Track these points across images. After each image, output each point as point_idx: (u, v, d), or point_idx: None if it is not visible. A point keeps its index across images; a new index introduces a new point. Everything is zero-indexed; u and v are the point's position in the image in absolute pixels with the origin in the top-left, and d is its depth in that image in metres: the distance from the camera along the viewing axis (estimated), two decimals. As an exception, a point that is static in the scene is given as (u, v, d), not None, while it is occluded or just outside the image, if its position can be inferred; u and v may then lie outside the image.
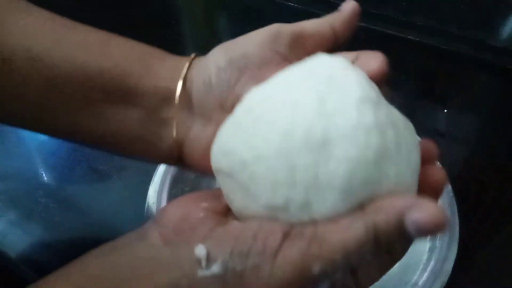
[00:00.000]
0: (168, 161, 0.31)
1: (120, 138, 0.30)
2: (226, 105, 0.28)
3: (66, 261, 0.46)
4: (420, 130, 0.57)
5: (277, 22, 0.64)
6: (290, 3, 0.78)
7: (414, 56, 0.69)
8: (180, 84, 0.28)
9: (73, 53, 0.29)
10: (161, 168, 0.46)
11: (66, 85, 0.29)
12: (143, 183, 0.47)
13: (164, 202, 0.43)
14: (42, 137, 0.59)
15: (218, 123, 0.27)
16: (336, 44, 0.30)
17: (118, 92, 0.29)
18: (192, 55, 0.30)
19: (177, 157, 0.30)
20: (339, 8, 0.30)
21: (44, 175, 0.55)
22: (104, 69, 0.29)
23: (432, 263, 0.35)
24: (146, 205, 0.44)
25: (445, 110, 0.60)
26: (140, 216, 0.44)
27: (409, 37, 0.71)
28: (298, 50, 0.28)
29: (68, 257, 0.46)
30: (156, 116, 0.29)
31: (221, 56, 0.28)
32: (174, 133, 0.29)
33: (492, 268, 0.44)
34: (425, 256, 0.36)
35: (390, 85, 0.66)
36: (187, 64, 0.29)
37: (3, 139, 0.59)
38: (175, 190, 0.45)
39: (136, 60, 0.30)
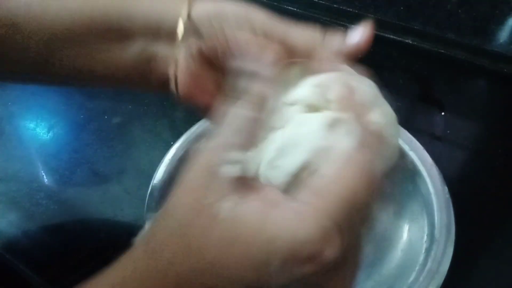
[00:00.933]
0: (158, 90, 0.35)
1: (117, 75, 0.34)
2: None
3: (66, 262, 0.46)
4: (418, 133, 0.58)
5: None
6: (289, 7, 0.79)
7: (412, 60, 0.70)
8: (181, 24, 0.31)
9: (65, 4, 0.32)
10: (161, 170, 0.46)
11: (64, 34, 0.32)
12: (143, 185, 0.47)
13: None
14: (43, 140, 0.60)
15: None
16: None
17: (114, 31, 0.32)
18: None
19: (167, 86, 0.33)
20: (353, 29, 0.30)
21: (45, 177, 0.56)
22: (97, 13, 0.32)
23: (428, 264, 0.35)
24: (146, 206, 0.44)
25: (443, 114, 0.60)
26: (139, 218, 0.45)
27: (407, 41, 0.71)
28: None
29: (68, 259, 0.46)
30: (149, 50, 0.33)
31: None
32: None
33: (488, 269, 0.44)
34: (421, 257, 0.36)
35: (389, 89, 0.66)
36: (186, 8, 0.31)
37: (4, 142, 0.60)
38: (175, 192, 0.45)
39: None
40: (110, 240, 0.49)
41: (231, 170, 0.21)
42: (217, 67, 0.32)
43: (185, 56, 0.32)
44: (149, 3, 0.33)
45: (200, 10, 0.31)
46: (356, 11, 0.74)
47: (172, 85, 0.33)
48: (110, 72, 0.34)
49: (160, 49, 0.32)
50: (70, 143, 0.60)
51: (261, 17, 0.30)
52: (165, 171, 0.46)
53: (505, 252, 0.46)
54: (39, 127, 0.61)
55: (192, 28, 0.31)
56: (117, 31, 0.32)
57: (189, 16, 0.31)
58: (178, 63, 0.32)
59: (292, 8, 0.78)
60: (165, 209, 0.23)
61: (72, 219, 0.51)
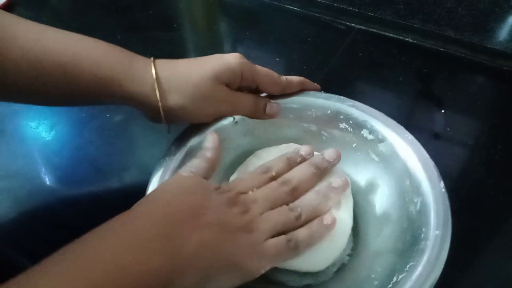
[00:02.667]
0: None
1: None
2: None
3: None
4: (418, 130, 0.58)
5: (277, 25, 0.66)
6: (290, 6, 0.79)
7: (411, 58, 0.70)
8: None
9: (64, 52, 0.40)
10: (160, 166, 0.46)
11: (54, 83, 0.40)
12: (144, 182, 0.47)
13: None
14: (45, 138, 0.60)
15: None
16: None
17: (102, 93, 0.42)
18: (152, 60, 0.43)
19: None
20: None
21: (47, 174, 0.56)
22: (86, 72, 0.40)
23: (424, 259, 0.35)
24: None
25: (442, 111, 0.60)
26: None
27: (407, 39, 0.72)
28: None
29: None
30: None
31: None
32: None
33: (484, 265, 0.45)
34: (418, 252, 0.36)
35: (389, 86, 0.66)
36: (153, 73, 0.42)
37: (7, 139, 0.60)
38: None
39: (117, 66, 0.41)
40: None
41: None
42: None
43: None
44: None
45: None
46: (356, 9, 0.74)
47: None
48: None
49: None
50: (72, 141, 0.60)
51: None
52: (164, 168, 0.46)
53: (502, 248, 0.46)
54: (41, 125, 0.62)
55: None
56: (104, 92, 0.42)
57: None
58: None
59: (293, 8, 0.79)
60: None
61: (74, 215, 0.52)
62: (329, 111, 0.49)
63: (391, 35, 0.72)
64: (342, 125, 0.48)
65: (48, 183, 0.55)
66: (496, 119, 0.60)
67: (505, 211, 0.50)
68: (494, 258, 0.46)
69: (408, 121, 0.61)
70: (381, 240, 0.42)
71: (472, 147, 0.57)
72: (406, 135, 0.44)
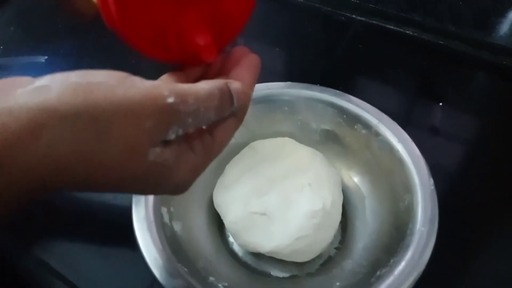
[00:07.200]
0: None
1: None
2: None
3: (69, 253, 0.47)
4: (417, 125, 0.57)
5: (277, 16, 0.63)
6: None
7: (412, 52, 0.69)
8: None
9: None
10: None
11: None
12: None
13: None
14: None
15: None
16: None
17: None
18: None
19: None
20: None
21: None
22: None
23: (409, 253, 0.35)
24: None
25: (442, 105, 0.60)
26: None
27: (407, 32, 0.71)
28: None
29: (71, 250, 0.47)
30: None
31: None
32: None
33: (478, 266, 0.45)
34: (402, 246, 0.37)
35: (388, 81, 0.65)
36: None
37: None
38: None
39: None
40: (111, 229, 0.49)
41: (172, 135, 0.24)
42: None
43: None
44: None
45: None
46: (358, 1, 0.74)
47: None
48: None
49: None
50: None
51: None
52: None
53: (498, 247, 0.46)
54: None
55: None
56: None
57: None
58: None
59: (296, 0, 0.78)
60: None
61: (75, 209, 0.51)
62: (323, 105, 0.49)
63: (392, 28, 0.72)
64: (336, 119, 0.49)
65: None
66: (496, 115, 0.60)
67: (502, 210, 0.50)
68: (489, 258, 0.45)
69: (407, 116, 0.61)
70: (368, 235, 0.42)
71: (471, 143, 0.57)
72: (399, 131, 0.44)
